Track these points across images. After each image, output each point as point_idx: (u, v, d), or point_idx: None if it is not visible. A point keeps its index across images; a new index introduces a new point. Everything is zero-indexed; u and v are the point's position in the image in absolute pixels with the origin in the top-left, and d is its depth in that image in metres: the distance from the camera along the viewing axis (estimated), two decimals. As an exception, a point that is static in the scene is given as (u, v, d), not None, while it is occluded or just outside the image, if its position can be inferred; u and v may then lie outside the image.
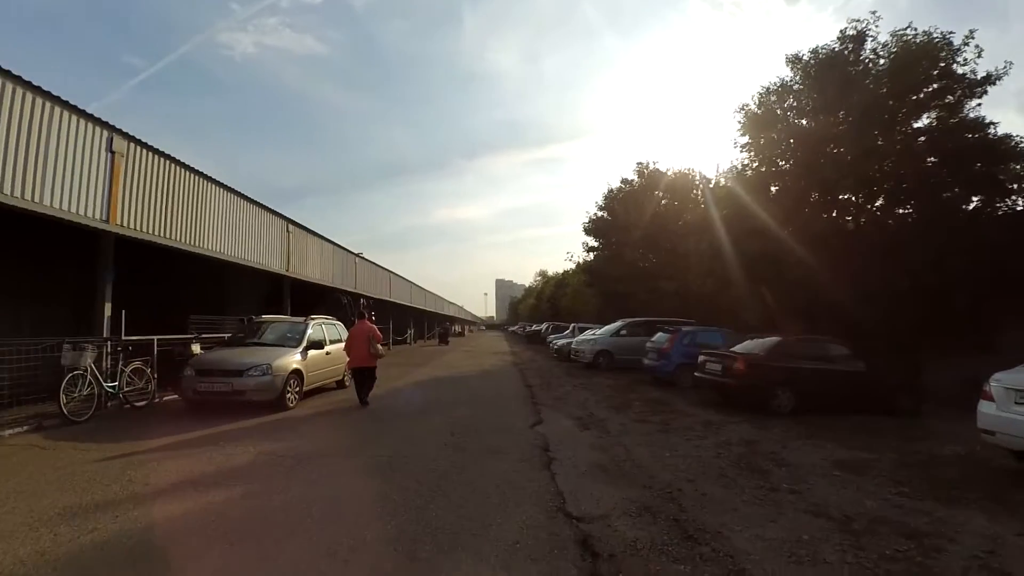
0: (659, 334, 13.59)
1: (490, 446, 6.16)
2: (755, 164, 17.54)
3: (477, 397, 10.28)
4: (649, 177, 29.35)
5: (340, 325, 11.77)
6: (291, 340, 9.43)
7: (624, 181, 30.44)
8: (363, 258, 23.36)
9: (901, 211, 14.76)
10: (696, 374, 10.49)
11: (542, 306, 72.50)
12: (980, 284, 11.78)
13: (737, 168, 18.42)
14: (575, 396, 10.62)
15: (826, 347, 10.00)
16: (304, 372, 9.03)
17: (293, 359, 8.82)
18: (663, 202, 28.48)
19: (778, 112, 16.65)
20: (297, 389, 8.80)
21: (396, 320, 34.29)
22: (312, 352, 9.50)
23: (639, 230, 27.46)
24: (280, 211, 16.10)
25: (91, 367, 7.92)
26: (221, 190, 12.27)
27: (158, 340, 9.83)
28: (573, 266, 47.63)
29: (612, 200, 30.47)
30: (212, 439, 6.56)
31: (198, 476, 5.01)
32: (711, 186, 24.98)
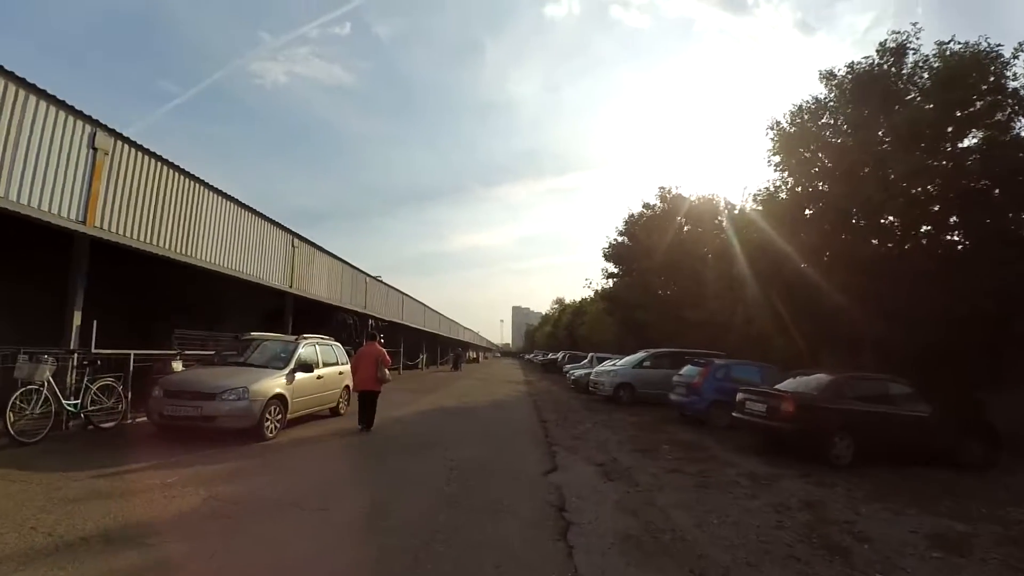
0: (688, 367, 12.30)
1: (493, 501, 4.98)
2: (789, 184, 16.43)
3: (485, 432, 9.09)
4: (672, 202, 28.28)
5: (338, 347, 10.78)
6: (278, 361, 8.43)
7: (646, 206, 29.42)
8: (374, 278, 22.56)
9: (950, 236, 13.49)
10: (735, 414, 9.18)
11: (559, 334, 71.04)
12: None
13: (769, 189, 17.30)
14: (595, 435, 9.37)
15: (886, 386, 8.67)
16: (289, 398, 7.99)
17: (276, 382, 7.79)
18: (686, 228, 27.35)
19: (812, 130, 15.57)
20: (279, 417, 7.74)
21: (408, 344, 33.32)
22: (301, 375, 8.48)
23: (661, 256, 26.27)
24: (302, 232, 15.47)
25: (49, 382, 7.01)
26: (219, 198, 11.54)
27: (135, 355, 8.94)
28: (591, 293, 46.49)
29: (633, 225, 29.42)
30: (165, 473, 5.52)
31: (119, 526, 3.95)
32: (736, 211, 23.88)
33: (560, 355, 39.73)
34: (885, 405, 8.27)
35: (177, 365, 9.33)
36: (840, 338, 14.33)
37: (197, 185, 10.75)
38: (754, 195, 18.09)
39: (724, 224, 24.46)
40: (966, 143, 12.95)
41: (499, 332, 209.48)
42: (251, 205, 13.44)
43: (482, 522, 4.38)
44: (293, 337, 9.27)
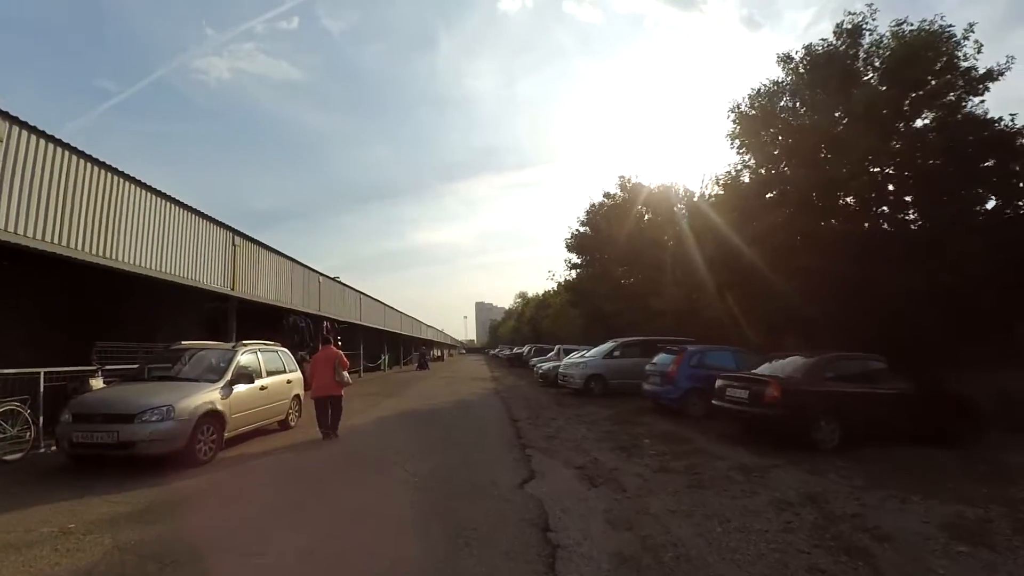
0: (661, 355, 11.87)
1: (463, 526, 4.24)
2: (751, 166, 16.35)
3: (452, 438, 8.31)
4: (632, 191, 28.11)
5: (285, 353, 9.77)
6: (213, 373, 7.40)
7: (607, 195, 29.18)
8: (329, 278, 21.32)
9: (911, 214, 13.63)
10: (714, 402, 8.76)
11: (523, 328, 70.79)
12: (1005, 290, 10.71)
13: (731, 173, 17.22)
14: (571, 433, 8.76)
15: (868, 365, 8.44)
16: (226, 413, 7.00)
17: (209, 397, 6.79)
18: (646, 217, 27.25)
19: (772, 112, 15.50)
20: (213, 437, 6.75)
21: (368, 345, 32.02)
22: (240, 388, 7.48)
23: (623, 245, 26.06)
24: (256, 235, 14.30)
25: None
26: (144, 192, 10.29)
27: (45, 373, 7.74)
28: (555, 286, 46.13)
29: (595, 215, 29.14)
30: (66, 517, 4.54)
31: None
32: (696, 199, 23.92)
33: (525, 349, 39.21)
34: (867, 384, 8.02)
35: (96, 383, 8.18)
36: (802, 320, 14.29)
37: (118, 178, 9.51)
38: (716, 178, 18.01)
39: (683, 212, 24.49)
40: (919, 123, 13.11)
41: (463, 329, 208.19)
42: (202, 209, 12.24)
43: (452, 556, 3.64)
44: (230, 345, 8.23)
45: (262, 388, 8.13)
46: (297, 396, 9.59)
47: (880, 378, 8.24)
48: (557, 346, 25.92)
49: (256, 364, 8.27)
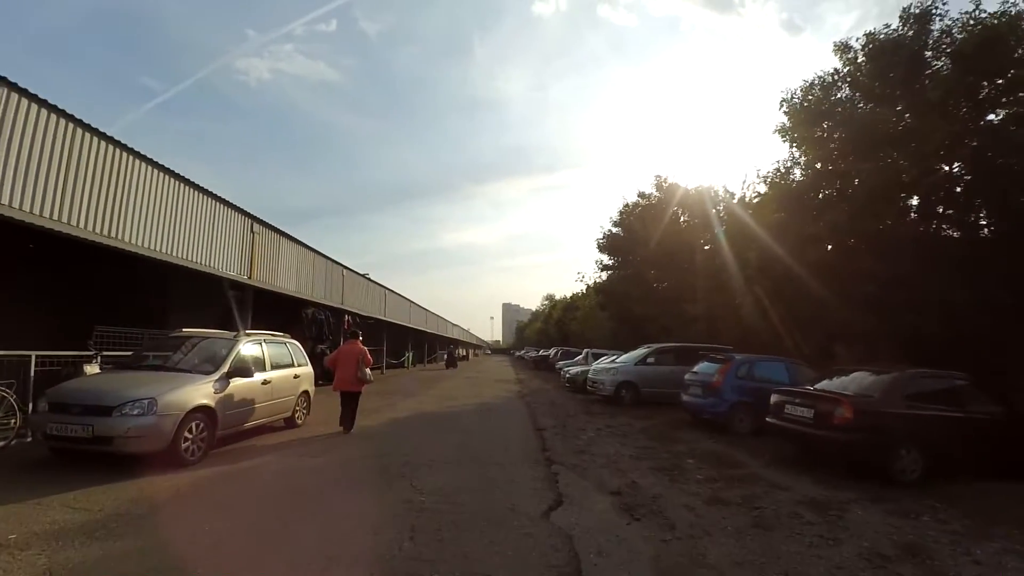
0: (704, 364, 10.77)
1: (472, 568, 3.36)
2: (802, 162, 15.07)
3: (469, 447, 7.43)
4: (668, 191, 26.84)
5: (295, 345, 9.10)
6: (208, 364, 6.73)
7: (641, 195, 27.96)
8: (352, 271, 20.79)
9: (983, 217, 12.19)
10: (769, 420, 7.65)
11: (549, 330, 69.67)
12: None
13: (780, 170, 15.93)
14: (602, 447, 7.78)
15: (952, 384, 7.22)
16: (219, 410, 6.30)
17: (199, 391, 6.10)
18: (683, 218, 25.99)
19: (826, 105, 14.17)
20: (203, 435, 6.05)
21: (392, 342, 31.57)
22: (238, 381, 6.78)
23: (658, 247, 24.84)
24: (291, 231, 13.90)
25: None
26: (156, 171, 9.77)
27: (37, 357, 7.23)
28: (583, 288, 44.93)
29: (628, 215, 27.97)
30: (15, 524, 3.88)
31: None
32: (737, 199, 22.66)
33: (552, 351, 38.19)
34: (952, 407, 6.83)
35: (91, 369, 7.63)
36: (858, 331, 12.93)
37: (124, 154, 8.97)
38: (763, 176, 16.71)
39: (722, 213, 23.27)
40: (992, 117, 11.72)
41: (489, 329, 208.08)
42: (240, 205, 11.82)
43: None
44: (232, 334, 7.56)
45: (264, 382, 7.43)
46: (306, 392, 8.90)
47: (966, 399, 7.04)
48: (585, 350, 24.85)
49: (260, 356, 7.59)
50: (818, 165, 13.46)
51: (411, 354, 35.27)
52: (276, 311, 15.47)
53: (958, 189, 12.27)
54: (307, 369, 9.06)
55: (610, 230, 28.45)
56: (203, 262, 11.24)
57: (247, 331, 7.69)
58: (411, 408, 11.90)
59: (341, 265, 19.55)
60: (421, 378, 23.79)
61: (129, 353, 8.09)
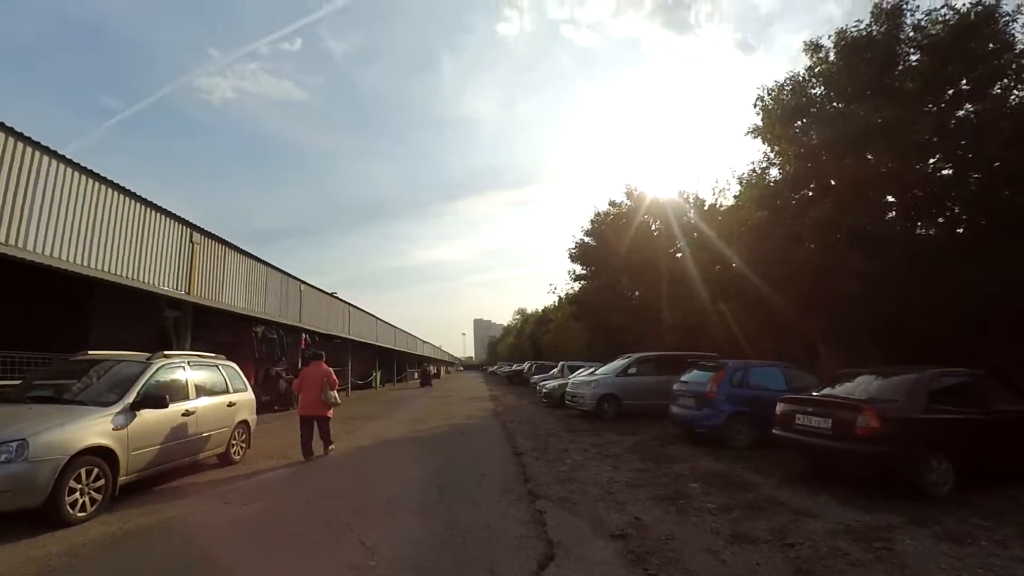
0: (694, 372, 9.93)
1: None
2: (779, 160, 14.72)
3: (437, 482, 6.28)
4: (639, 199, 26.46)
5: (230, 368, 7.80)
6: (111, 393, 5.45)
7: (612, 204, 27.51)
8: (311, 286, 19.39)
9: (962, 212, 11.90)
10: (777, 432, 6.81)
11: (522, 344, 68.69)
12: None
13: (755, 171, 15.53)
14: (592, 472, 6.76)
15: (973, 381, 6.53)
16: (120, 451, 5.03)
17: (94, 428, 4.83)
18: (655, 225, 25.63)
19: (803, 101, 13.82)
20: (98, 484, 4.78)
21: (359, 361, 29.98)
22: (148, 414, 5.52)
23: (632, 255, 24.31)
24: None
25: None
26: (71, 171, 8.46)
27: None
28: (555, 300, 44.21)
29: (600, 224, 27.44)
30: None
31: None
32: (708, 205, 22.46)
33: (526, 366, 37.14)
34: (977, 408, 6.13)
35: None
36: (844, 330, 12.43)
37: (27, 148, 7.64)
38: (739, 177, 16.29)
39: (692, 220, 23.04)
40: (967, 110, 11.50)
41: (462, 346, 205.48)
42: (204, 227, 10.53)
43: None
44: (146, 356, 6.27)
45: (187, 413, 6.16)
46: (244, 423, 7.60)
47: (990, 398, 6.35)
48: (561, 363, 23.94)
49: (181, 382, 6.32)
50: (796, 163, 12.99)
51: (378, 373, 33.65)
52: (221, 331, 14.02)
53: (937, 183, 11.98)
54: (246, 396, 7.77)
55: (582, 240, 27.82)
56: (130, 275, 9.86)
57: (164, 352, 6.40)
58: (375, 434, 10.65)
59: (298, 280, 18.16)
60: (389, 399, 22.36)
61: (18, 382, 6.69)
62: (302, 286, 18.39)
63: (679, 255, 24.27)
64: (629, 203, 26.76)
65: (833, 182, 12.46)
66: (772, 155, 15.12)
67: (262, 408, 16.13)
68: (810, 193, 13.02)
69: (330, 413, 8.21)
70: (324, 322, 21.02)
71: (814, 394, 6.82)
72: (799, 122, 13.85)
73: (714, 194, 22.74)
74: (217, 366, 7.34)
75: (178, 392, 6.19)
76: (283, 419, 13.76)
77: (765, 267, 12.36)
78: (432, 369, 61.71)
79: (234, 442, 7.35)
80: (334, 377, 8.36)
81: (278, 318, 15.89)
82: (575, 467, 7.09)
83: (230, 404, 7.20)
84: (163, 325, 12.10)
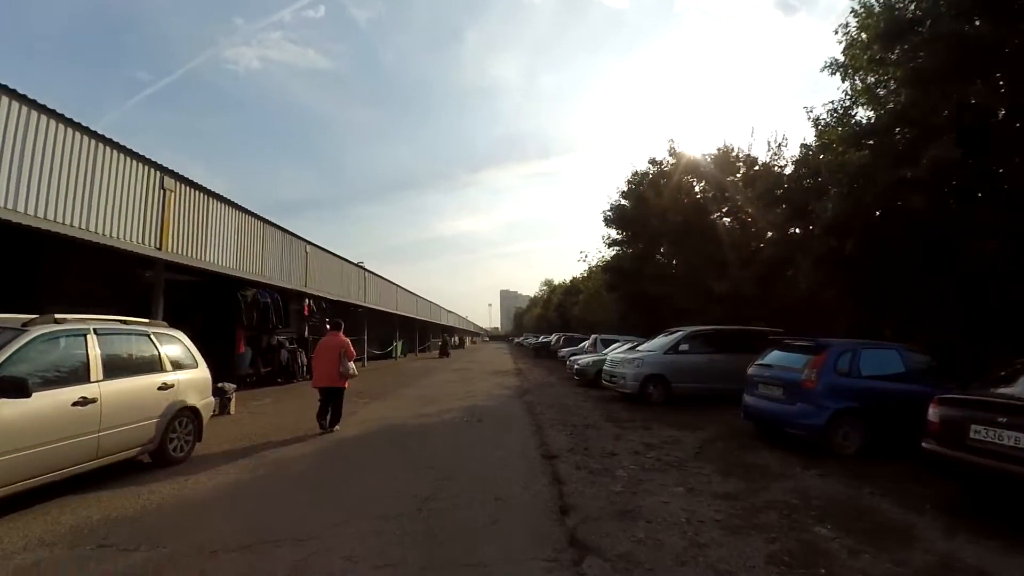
0: (776, 353, 7.67)
1: None
2: (866, 101, 12.07)
3: (430, 514, 4.26)
4: (683, 157, 23.58)
5: (173, 337, 5.96)
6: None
7: (652, 161, 24.69)
8: (320, 247, 17.61)
9: None
10: (937, 449, 4.60)
11: (549, 315, 66.70)
12: None
13: (837, 111, 12.89)
14: (659, 497, 4.68)
15: None
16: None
17: None
18: (699, 186, 22.90)
19: (905, 21, 10.90)
20: None
21: (378, 330, 28.51)
22: (13, 404, 3.70)
23: (676, 218, 21.70)
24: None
25: None
26: (11, 101, 6.63)
27: None
28: (585, 269, 41.84)
29: (639, 184, 24.78)
30: None
31: None
32: (763, 164, 19.69)
33: (553, 338, 35.23)
34: None
35: None
36: (962, 303, 9.88)
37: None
38: (815, 119, 13.54)
39: (741, 178, 20.45)
40: None
41: (487, 317, 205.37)
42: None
43: None
44: (21, 320, 4.41)
45: (81, 402, 4.32)
46: (190, 410, 5.78)
47: None
48: (593, 336, 21.86)
49: (74, 359, 4.46)
50: (907, 92, 10.23)
51: (400, 343, 32.20)
52: (208, 294, 12.36)
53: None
54: (194, 375, 5.94)
55: (618, 202, 25.25)
56: (83, 226, 8.11)
57: (57, 315, 4.54)
58: (374, 418, 8.83)
59: (303, 240, 16.37)
60: (406, 371, 20.73)
61: None
62: (308, 247, 16.61)
63: (727, 219, 21.67)
64: (672, 160, 23.97)
65: (950, 116, 9.72)
66: (859, 91, 12.43)
67: (262, 381, 14.70)
68: (915, 134, 10.29)
69: (347, 384, 7.91)
70: (336, 288, 19.33)
71: (1002, 393, 4.56)
72: (902, 47, 10.98)
73: (769, 149, 19.89)
74: (149, 335, 5.49)
75: (70, 372, 4.36)
76: (282, 393, 12.16)
77: (859, 223, 9.84)
78: (456, 339, 60.66)
79: (174, 435, 5.55)
80: (352, 348, 8.03)
81: (279, 282, 14.15)
82: (632, 484, 5.04)
83: (164, 386, 5.37)
84: (136, 286, 10.46)
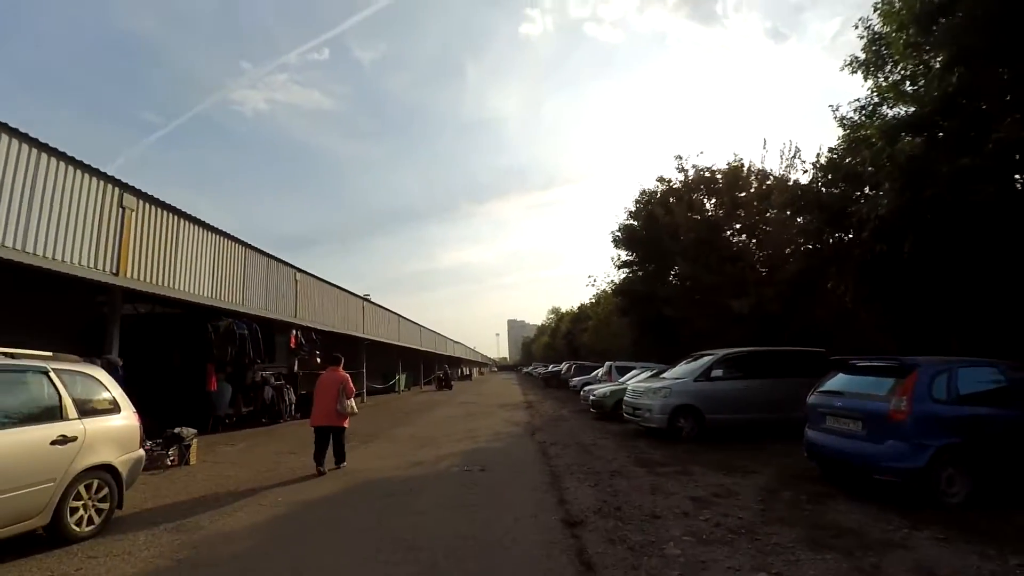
0: (843, 377, 6.25)
1: None
2: (892, 96, 11.09)
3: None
4: (694, 173, 22.53)
5: (84, 376, 4.68)
6: None
7: (661, 179, 23.71)
8: (310, 274, 16.44)
9: None
10: None
11: (557, 344, 65.11)
12: None
13: (866, 108, 11.87)
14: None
15: None
16: None
17: None
18: (710, 202, 21.77)
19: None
20: None
21: (380, 363, 27.14)
22: None
23: (691, 234, 20.46)
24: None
25: None
26: None
27: None
28: (593, 296, 40.52)
29: (647, 204, 23.77)
30: None
31: None
32: (775, 176, 18.64)
33: (563, 366, 33.64)
34: None
35: None
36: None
37: None
38: (841, 118, 12.41)
39: (755, 192, 19.40)
40: None
41: (495, 346, 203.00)
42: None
43: None
44: None
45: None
46: (105, 469, 4.44)
47: None
48: (608, 363, 20.37)
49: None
50: (959, 73, 9.06)
51: (403, 376, 30.73)
52: (184, 328, 11.13)
53: None
54: (112, 423, 4.63)
55: (627, 221, 24.17)
56: (24, 248, 6.97)
57: None
58: (354, 470, 7.40)
59: (292, 267, 15.20)
60: (406, 406, 19.24)
61: None
62: (298, 275, 15.42)
63: (743, 236, 20.46)
64: (682, 177, 22.90)
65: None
66: (884, 88, 11.39)
67: (244, 421, 13.28)
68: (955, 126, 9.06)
69: (346, 423, 7.59)
70: (331, 319, 18.07)
71: None
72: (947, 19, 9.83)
73: (783, 160, 18.79)
74: (47, 372, 4.20)
75: None
76: (261, 437, 10.76)
77: (916, 222, 8.52)
78: (464, 370, 58.90)
79: (79, 503, 4.20)
80: (351, 384, 7.69)
81: (263, 312, 12.91)
82: (692, 569, 3.60)
83: (61, 439, 4.05)
84: (92, 316, 9.26)
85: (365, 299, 24.06)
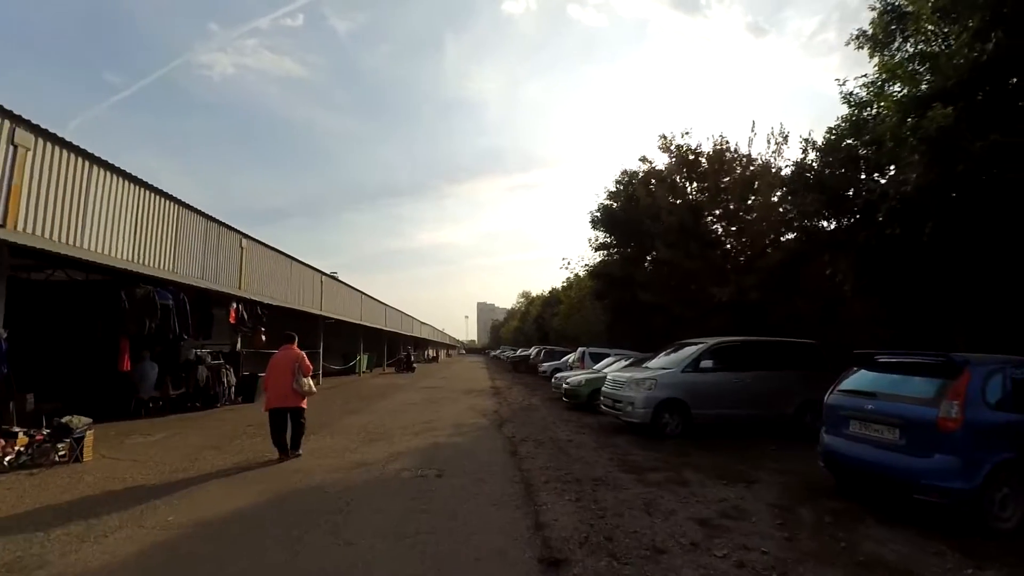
0: (874, 375, 5.31)
1: None
2: (902, 74, 10.23)
3: None
4: (678, 153, 21.56)
5: None
6: None
7: (643, 159, 22.68)
8: (259, 242, 14.81)
9: None
10: None
11: (526, 328, 64.31)
12: None
13: (875, 83, 11.00)
14: None
15: None
16: None
17: None
18: (693, 185, 20.90)
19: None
20: None
21: (339, 343, 25.62)
22: None
23: (673, 218, 19.57)
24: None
25: None
26: None
27: None
28: (566, 279, 39.61)
29: (628, 184, 22.81)
30: None
31: None
32: (760, 159, 17.92)
33: (533, 351, 32.71)
34: None
35: None
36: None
37: None
38: (846, 95, 11.53)
39: (739, 177, 18.60)
40: None
41: (464, 329, 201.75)
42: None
43: None
44: None
45: None
46: None
47: None
48: (581, 349, 19.45)
49: None
50: (984, 47, 8.19)
51: (365, 357, 29.22)
52: (110, 296, 9.55)
53: None
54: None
55: (607, 202, 23.18)
56: None
57: None
58: (283, 473, 6.16)
59: (238, 232, 13.60)
60: (365, 390, 17.92)
61: None
62: (244, 241, 13.81)
63: (725, 221, 19.67)
64: (666, 159, 21.93)
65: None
66: (889, 66, 10.56)
67: (173, 406, 11.61)
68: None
69: (304, 403, 6.96)
70: (283, 293, 16.52)
71: None
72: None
73: (772, 140, 17.95)
74: None
75: None
76: (188, 424, 9.33)
77: (939, 203, 7.67)
78: (430, 352, 57.53)
79: None
80: (307, 362, 7.14)
81: (199, 281, 11.34)
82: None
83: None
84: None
85: (332, 277, 22.48)
